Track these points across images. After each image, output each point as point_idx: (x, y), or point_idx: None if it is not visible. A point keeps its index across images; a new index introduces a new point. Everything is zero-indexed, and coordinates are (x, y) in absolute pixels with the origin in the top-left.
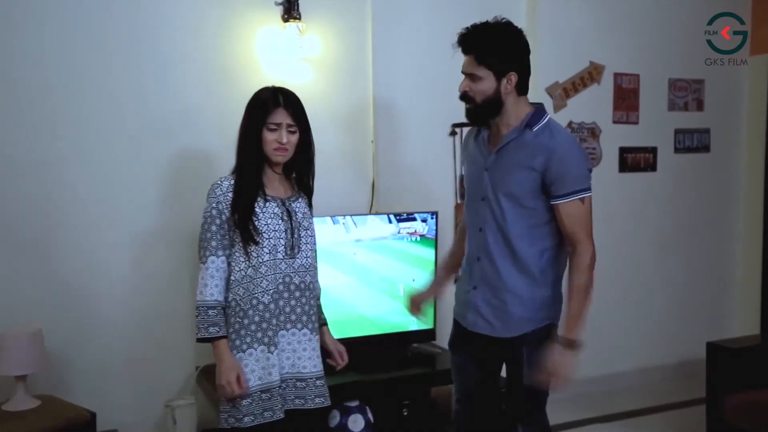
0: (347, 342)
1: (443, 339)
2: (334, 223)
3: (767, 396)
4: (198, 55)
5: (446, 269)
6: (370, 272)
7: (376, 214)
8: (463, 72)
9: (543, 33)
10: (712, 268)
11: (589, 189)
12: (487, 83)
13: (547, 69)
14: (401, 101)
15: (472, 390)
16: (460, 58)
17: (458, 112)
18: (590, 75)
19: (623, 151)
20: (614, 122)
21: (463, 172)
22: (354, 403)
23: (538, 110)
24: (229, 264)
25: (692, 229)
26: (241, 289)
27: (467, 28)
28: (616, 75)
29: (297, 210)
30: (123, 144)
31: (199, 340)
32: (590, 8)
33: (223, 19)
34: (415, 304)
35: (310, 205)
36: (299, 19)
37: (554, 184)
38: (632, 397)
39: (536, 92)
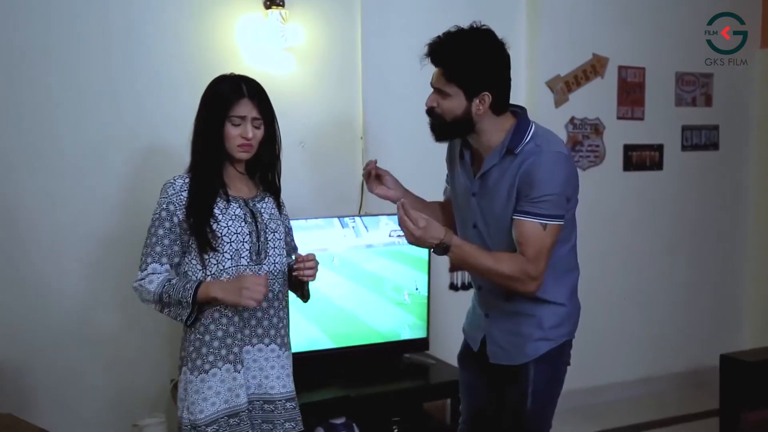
0: (332, 353)
1: (436, 349)
2: (326, 226)
3: None
4: (171, 46)
5: (420, 200)
6: (357, 276)
7: (366, 215)
8: (431, 85)
9: (544, 23)
10: (721, 272)
11: (557, 218)
12: (455, 102)
13: (547, 61)
14: (393, 94)
15: (483, 410)
16: None
17: None
18: (593, 68)
19: (628, 148)
20: (618, 118)
21: (447, 183)
22: (340, 420)
23: (520, 124)
24: (180, 274)
25: (700, 231)
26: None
27: (439, 36)
28: (621, 68)
29: (263, 211)
30: (86, 144)
31: (192, 305)
32: None
33: (199, 5)
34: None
35: (278, 205)
36: (282, 5)
37: (519, 201)
38: (637, 408)
39: (536, 86)
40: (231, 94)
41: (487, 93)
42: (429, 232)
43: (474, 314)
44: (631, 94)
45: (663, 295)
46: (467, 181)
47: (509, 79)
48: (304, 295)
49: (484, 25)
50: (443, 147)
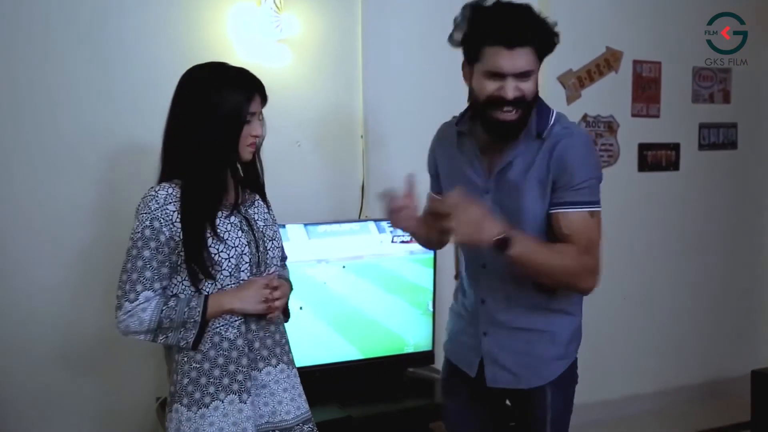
0: (330, 368)
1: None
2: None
3: None
4: (157, 38)
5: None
6: (358, 286)
7: (366, 220)
8: (514, 74)
9: (555, 15)
10: (741, 277)
11: (599, 204)
12: (535, 79)
13: (559, 55)
14: (396, 89)
15: None
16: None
17: (459, 102)
18: (607, 62)
19: (643, 147)
20: (633, 115)
21: (438, 186)
22: None
23: (541, 107)
24: (169, 297)
25: (718, 235)
26: None
27: (509, 11)
28: (636, 62)
29: (257, 217)
30: (62, 146)
31: (202, 324)
32: None
33: None
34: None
35: (267, 207)
36: None
37: (557, 192)
38: (656, 423)
39: (548, 81)
40: (245, 92)
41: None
42: (487, 225)
43: (464, 333)
44: (646, 90)
45: (679, 303)
46: (476, 177)
47: None
48: (284, 313)
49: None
50: None
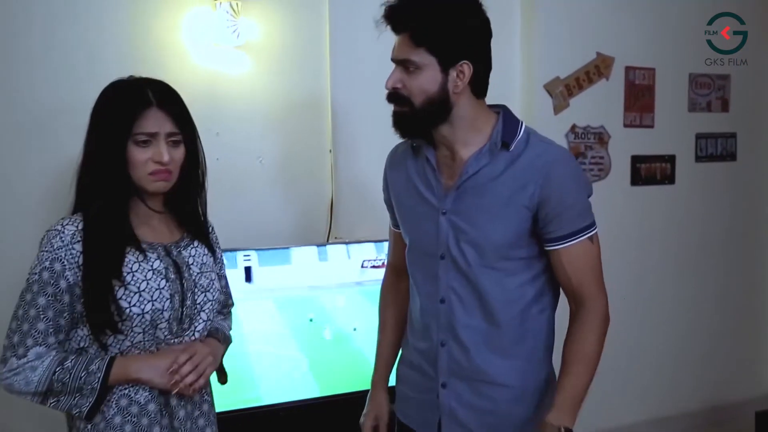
0: (299, 405)
1: None
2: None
3: None
4: (107, 44)
5: (388, 369)
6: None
7: (335, 242)
8: (393, 60)
9: (541, 18)
10: (742, 297)
11: (594, 223)
12: (428, 75)
13: (545, 62)
14: (367, 101)
15: None
16: None
17: None
18: (597, 69)
19: (636, 160)
20: (625, 126)
21: (393, 207)
22: None
23: (508, 116)
24: (69, 351)
25: (717, 252)
26: None
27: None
28: (628, 69)
29: (191, 261)
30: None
31: (101, 391)
32: None
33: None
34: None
35: (212, 250)
36: None
37: (553, 223)
38: None
39: (533, 90)
40: (133, 104)
41: (466, 62)
42: None
43: (412, 385)
44: (639, 98)
45: (677, 324)
46: (431, 195)
47: (490, 53)
48: (220, 375)
49: None
50: None
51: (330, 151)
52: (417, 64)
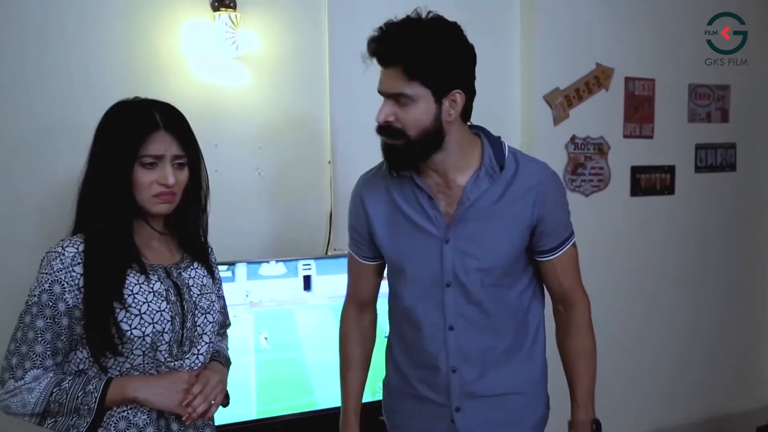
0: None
1: None
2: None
3: None
4: (106, 55)
5: (359, 402)
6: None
7: (335, 256)
8: (381, 92)
9: (540, 30)
10: (742, 308)
11: (573, 231)
12: (422, 107)
13: (545, 73)
14: (367, 112)
15: None
16: None
17: None
18: (597, 80)
19: (636, 170)
20: (625, 136)
21: (365, 253)
22: None
23: (489, 137)
24: (68, 373)
25: (716, 262)
26: None
27: (381, 28)
28: (628, 80)
29: (191, 283)
30: None
31: (98, 412)
32: (597, 1)
33: (138, 8)
34: None
35: (211, 272)
36: (233, 8)
37: (548, 236)
38: None
39: (533, 100)
40: (141, 126)
41: (459, 91)
42: None
43: (430, 415)
44: (639, 109)
45: (676, 334)
46: (432, 227)
47: (474, 79)
48: (224, 398)
49: (431, 13)
50: None
51: (329, 162)
52: (411, 96)
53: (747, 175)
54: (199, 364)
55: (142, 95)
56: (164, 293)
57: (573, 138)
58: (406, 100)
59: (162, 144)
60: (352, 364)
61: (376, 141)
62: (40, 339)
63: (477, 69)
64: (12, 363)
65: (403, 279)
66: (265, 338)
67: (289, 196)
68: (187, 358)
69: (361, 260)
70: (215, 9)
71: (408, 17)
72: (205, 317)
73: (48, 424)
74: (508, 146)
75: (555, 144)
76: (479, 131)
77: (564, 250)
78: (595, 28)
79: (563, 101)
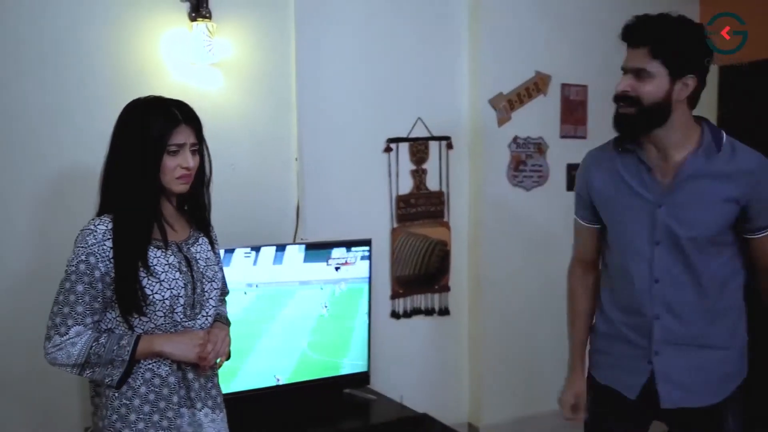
0: (262, 392)
1: (376, 380)
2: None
3: None
4: (91, 62)
5: (584, 352)
6: (289, 307)
7: (301, 243)
8: (625, 68)
9: (485, 41)
10: None
11: None
12: (658, 83)
13: (490, 79)
14: (330, 113)
15: None
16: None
17: (393, 124)
18: (536, 86)
19: (571, 167)
20: (561, 137)
21: (591, 217)
22: None
23: (710, 125)
24: (101, 332)
25: None
26: None
27: (637, 17)
28: (564, 86)
29: (198, 257)
30: None
31: (130, 363)
32: (536, 15)
33: (120, 19)
34: (574, 407)
35: (212, 246)
36: (209, 18)
37: (760, 216)
38: None
39: (479, 104)
40: (168, 121)
41: (692, 76)
42: None
43: (621, 356)
44: (573, 112)
45: None
46: (648, 193)
47: (708, 71)
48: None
49: (678, 14)
50: (385, 170)
51: (296, 159)
52: (651, 73)
53: None
54: (208, 324)
55: (127, 97)
56: (177, 265)
57: (515, 138)
58: (645, 75)
59: (183, 134)
60: (580, 316)
61: (340, 139)
62: (80, 301)
63: (429, 76)
64: (56, 322)
65: (619, 237)
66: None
67: (260, 189)
68: (198, 319)
69: (584, 223)
70: (193, 19)
71: (661, 13)
72: (211, 285)
73: (87, 374)
74: (727, 135)
75: (499, 143)
76: (702, 120)
77: None
78: (534, 40)
79: (506, 105)
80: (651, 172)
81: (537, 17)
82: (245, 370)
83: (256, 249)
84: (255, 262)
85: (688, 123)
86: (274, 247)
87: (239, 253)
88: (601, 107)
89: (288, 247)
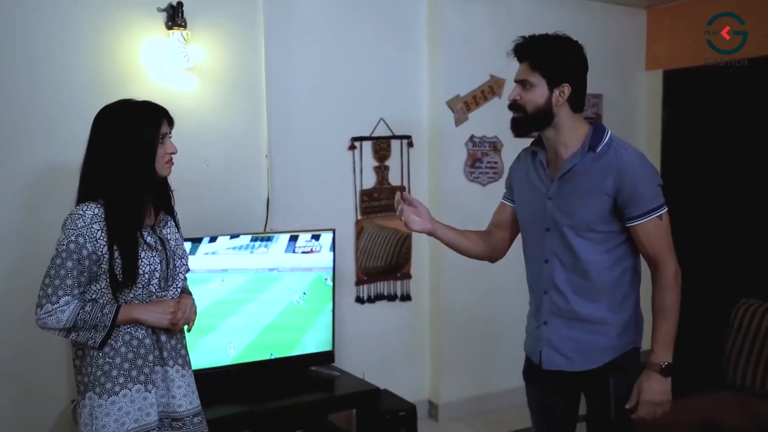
0: (236, 368)
1: (342, 361)
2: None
3: None
4: (75, 69)
5: (449, 228)
6: (261, 291)
7: (272, 233)
8: (515, 80)
9: (443, 47)
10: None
11: (664, 204)
12: (539, 92)
13: (447, 82)
14: (298, 113)
15: (556, 424)
16: (363, 65)
17: (357, 124)
18: (491, 88)
19: None
20: (515, 136)
21: (510, 197)
22: None
23: (597, 127)
24: (86, 301)
25: None
26: None
27: (524, 36)
28: None
29: (169, 237)
30: None
31: (110, 328)
32: (491, 21)
33: (102, 30)
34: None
35: (178, 228)
36: (184, 27)
37: (629, 206)
38: None
39: (437, 105)
40: (156, 116)
41: (567, 84)
42: (668, 393)
43: (529, 326)
44: None
45: None
46: (541, 185)
47: (586, 81)
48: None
49: (563, 33)
50: (350, 166)
51: (266, 156)
52: (531, 83)
53: None
54: (177, 294)
55: (110, 99)
56: (154, 244)
57: (471, 137)
58: (529, 85)
59: (166, 125)
60: (467, 234)
61: (307, 138)
62: (69, 275)
63: (391, 79)
64: (48, 292)
65: (523, 224)
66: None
67: (233, 184)
68: (170, 290)
69: (503, 201)
70: (169, 28)
71: (543, 33)
72: (180, 261)
73: (72, 336)
74: (612, 136)
75: (457, 142)
76: (594, 123)
77: (646, 219)
78: (489, 46)
79: (463, 106)
80: (546, 168)
81: (491, 24)
82: (218, 347)
83: (235, 236)
84: (236, 248)
85: (574, 125)
86: (249, 236)
87: (222, 240)
88: None
89: (259, 237)
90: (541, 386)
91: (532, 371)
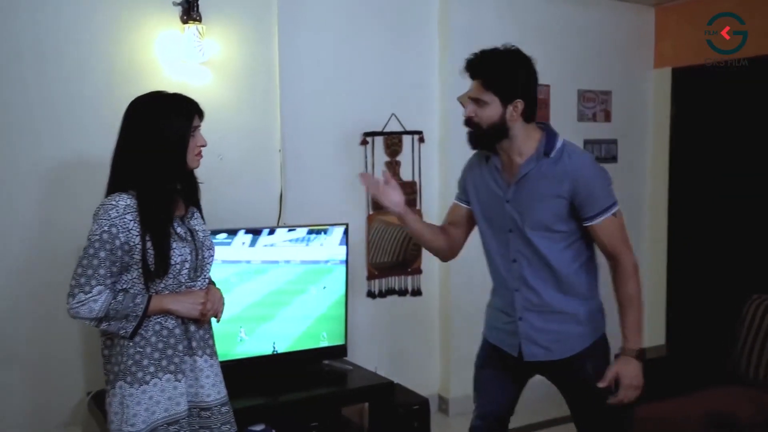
0: (252, 361)
1: (354, 355)
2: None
3: (672, 407)
4: (92, 62)
5: (421, 221)
6: (275, 283)
7: (284, 227)
8: (469, 97)
9: (454, 42)
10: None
11: (616, 202)
12: (492, 109)
13: (458, 78)
14: (311, 108)
15: (505, 409)
16: (375, 61)
17: (369, 119)
18: None
19: None
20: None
21: (464, 198)
22: (259, 427)
23: (549, 134)
24: (117, 291)
25: None
26: None
27: (475, 53)
28: None
29: (197, 228)
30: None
31: (142, 318)
32: (502, 19)
33: (119, 24)
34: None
35: (203, 220)
36: (199, 20)
37: (585, 207)
38: None
39: (448, 101)
40: (191, 108)
41: (519, 100)
42: (641, 375)
43: (498, 321)
44: (538, 109)
45: None
46: (498, 189)
47: (536, 92)
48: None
49: (513, 46)
50: (362, 161)
51: (279, 150)
52: (485, 101)
53: (626, 165)
54: (205, 284)
55: (125, 92)
56: (184, 235)
57: None
58: (482, 103)
59: (197, 118)
60: (433, 227)
61: (319, 132)
62: (102, 265)
63: (407, 80)
64: (81, 282)
65: (485, 227)
66: None
67: (246, 178)
68: (198, 281)
69: (457, 202)
70: (184, 22)
71: (493, 48)
72: (208, 252)
73: (103, 326)
74: (565, 141)
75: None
76: (545, 128)
77: (601, 219)
78: (500, 43)
79: None
80: (502, 174)
81: (501, 20)
82: (228, 335)
83: (252, 232)
84: (252, 243)
85: (527, 134)
86: (267, 230)
87: (240, 235)
88: (563, 105)
89: (277, 230)
90: (498, 368)
91: (493, 357)
